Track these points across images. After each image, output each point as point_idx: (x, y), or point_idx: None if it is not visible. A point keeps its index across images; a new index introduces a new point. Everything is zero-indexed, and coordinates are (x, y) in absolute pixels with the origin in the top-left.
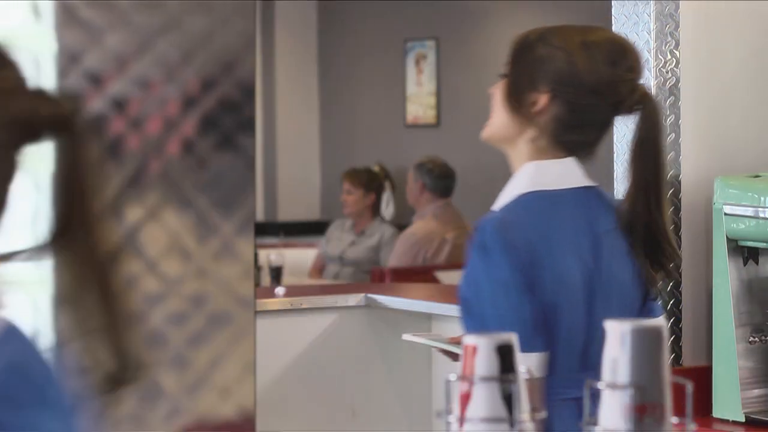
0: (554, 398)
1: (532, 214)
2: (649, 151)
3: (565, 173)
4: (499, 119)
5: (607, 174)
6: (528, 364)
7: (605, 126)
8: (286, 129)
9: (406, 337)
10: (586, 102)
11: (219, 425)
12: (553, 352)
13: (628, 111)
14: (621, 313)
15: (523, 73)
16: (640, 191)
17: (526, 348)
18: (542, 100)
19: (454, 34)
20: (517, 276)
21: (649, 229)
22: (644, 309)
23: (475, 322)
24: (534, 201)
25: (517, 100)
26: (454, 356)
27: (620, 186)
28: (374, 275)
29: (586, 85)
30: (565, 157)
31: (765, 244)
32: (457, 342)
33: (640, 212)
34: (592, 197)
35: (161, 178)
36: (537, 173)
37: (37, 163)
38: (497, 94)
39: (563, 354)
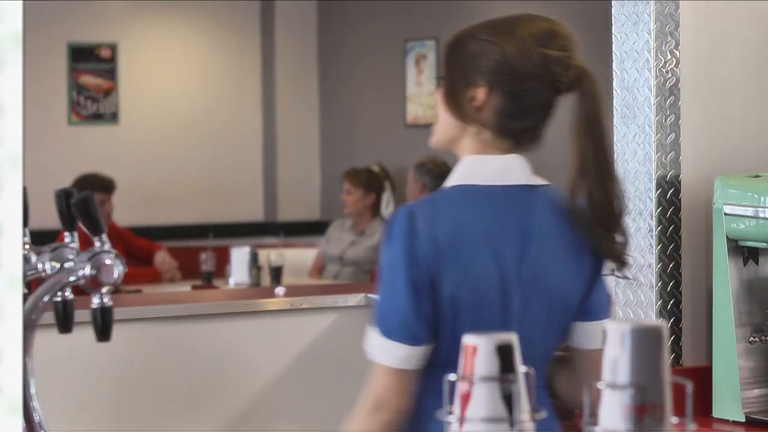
0: None
1: (450, 207)
2: (589, 127)
3: (502, 170)
4: (442, 122)
5: None
6: (400, 354)
7: (547, 108)
8: (286, 129)
9: None
10: (524, 88)
11: None
12: (458, 347)
13: (569, 89)
14: (551, 313)
15: (457, 72)
16: (582, 169)
17: (403, 339)
18: (480, 94)
19: None
20: (412, 267)
21: (596, 210)
22: (582, 309)
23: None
24: (458, 195)
25: (455, 99)
26: None
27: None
28: (374, 275)
29: (521, 72)
30: (511, 146)
31: (765, 244)
32: None
33: (585, 191)
34: (532, 195)
35: None
36: (472, 167)
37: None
38: (438, 98)
39: (452, 351)
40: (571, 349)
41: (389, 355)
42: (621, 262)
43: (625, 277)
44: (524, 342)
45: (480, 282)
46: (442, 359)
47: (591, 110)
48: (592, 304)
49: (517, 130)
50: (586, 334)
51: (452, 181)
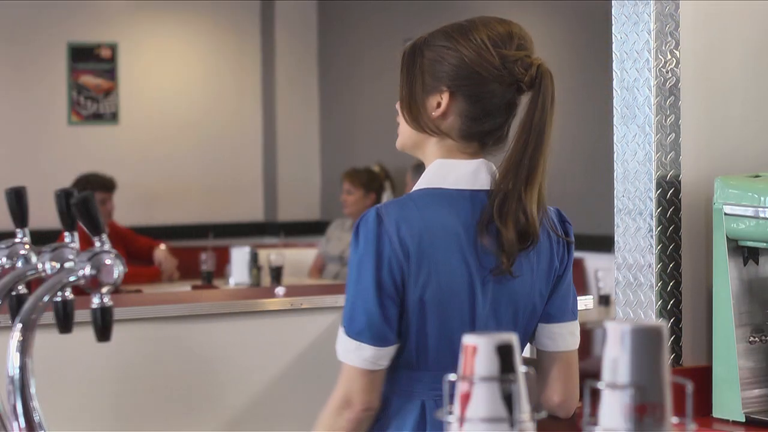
0: (428, 394)
1: (419, 210)
2: (528, 126)
3: (470, 175)
4: (404, 129)
5: (606, 173)
6: (367, 355)
7: (511, 108)
8: (286, 129)
9: None
10: (486, 90)
11: None
12: (424, 348)
13: (530, 88)
14: (517, 316)
15: (417, 81)
16: (517, 166)
17: (370, 340)
18: (443, 100)
19: None
20: (380, 269)
21: (507, 202)
22: (546, 311)
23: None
24: (426, 198)
25: (417, 108)
26: None
27: (620, 186)
28: None
29: (481, 74)
30: (477, 149)
31: (765, 244)
32: None
33: (510, 184)
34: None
35: None
36: (439, 171)
37: None
38: (398, 105)
39: (437, 351)
40: (538, 352)
41: (357, 355)
42: (503, 262)
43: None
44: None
45: (448, 284)
46: (407, 360)
47: (540, 109)
48: (555, 307)
49: (482, 133)
50: (550, 336)
51: (421, 184)
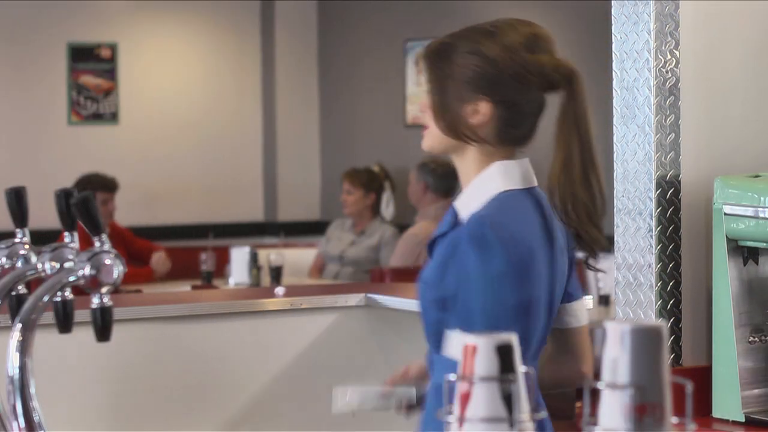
0: None
1: (514, 212)
2: (577, 123)
3: (525, 173)
4: (437, 134)
5: (606, 173)
6: None
7: (542, 108)
8: (286, 129)
9: (337, 410)
10: (521, 95)
11: None
12: (529, 344)
13: (558, 88)
14: (556, 305)
15: (448, 89)
16: (567, 163)
17: None
18: (481, 108)
19: None
20: (510, 271)
21: (573, 208)
22: (566, 292)
23: (459, 316)
24: (511, 200)
25: (452, 117)
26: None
27: (620, 186)
28: (374, 275)
29: (516, 79)
30: (513, 150)
31: (765, 244)
32: (397, 383)
33: (568, 185)
34: (541, 196)
35: None
36: (506, 173)
37: None
38: (428, 110)
39: (538, 346)
40: (558, 332)
41: None
42: (595, 253)
43: (595, 268)
44: (545, 338)
45: (543, 282)
46: None
47: (579, 107)
48: (573, 287)
49: (519, 137)
50: (573, 314)
51: (496, 188)
